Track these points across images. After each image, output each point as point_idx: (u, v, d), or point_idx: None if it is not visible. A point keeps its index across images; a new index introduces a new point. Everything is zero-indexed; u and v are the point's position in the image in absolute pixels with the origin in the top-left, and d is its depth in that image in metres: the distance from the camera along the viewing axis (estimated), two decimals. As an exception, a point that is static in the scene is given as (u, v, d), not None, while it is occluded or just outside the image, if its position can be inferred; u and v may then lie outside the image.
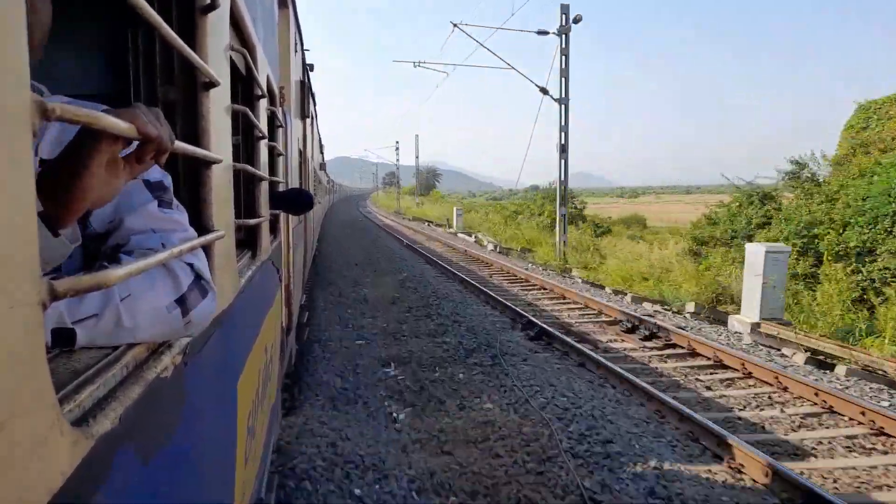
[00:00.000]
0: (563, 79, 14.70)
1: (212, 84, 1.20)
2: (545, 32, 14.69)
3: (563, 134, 14.80)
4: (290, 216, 4.07)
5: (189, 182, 1.24)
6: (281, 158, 3.34)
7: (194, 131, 1.21)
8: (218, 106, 1.30)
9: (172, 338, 0.88)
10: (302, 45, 6.17)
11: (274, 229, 3.03)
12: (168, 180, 0.98)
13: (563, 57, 14.54)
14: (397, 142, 53.74)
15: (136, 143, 0.74)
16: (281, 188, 3.34)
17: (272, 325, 2.50)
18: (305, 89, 6.26)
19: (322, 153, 18.06)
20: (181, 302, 0.85)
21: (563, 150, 15.13)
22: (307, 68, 7.03)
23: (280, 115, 3.27)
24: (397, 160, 54.50)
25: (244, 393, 1.57)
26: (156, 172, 0.96)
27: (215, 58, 1.27)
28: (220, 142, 1.32)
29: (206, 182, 1.20)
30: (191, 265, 0.89)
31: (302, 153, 6.23)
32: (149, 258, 0.74)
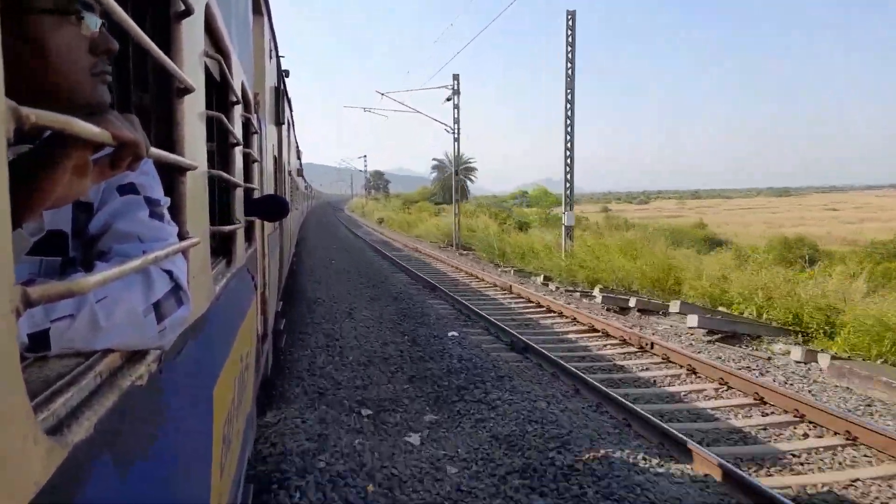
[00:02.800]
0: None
1: (186, 90, 1.19)
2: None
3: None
4: (266, 223, 4.04)
5: (163, 189, 1.24)
6: (256, 165, 3.32)
7: (169, 137, 1.20)
8: (192, 112, 1.29)
9: (146, 346, 0.88)
10: (277, 51, 6.13)
11: (249, 236, 3.00)
12: (166, 201, 1.00)
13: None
14: (456, 78, 22.05)
15: (108, 148, 0.75)
16: (256, 195, 3.32)
17: (247, 333, 2.47)
18: (280, 95, 6.21)
19: (299, 159, 17.89)
20: (157, 307, 0.85)
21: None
22: (282, 74, 6.98)
23: (255, 122, 3.25)
24: (456, 112, 22.17)
25: (220, 402, 1.55)
26: (158, 193, 0.97)
27: (190, 64, 1.27)
28: (194, 148, 1.31)
29: (180, 189, 1.19)
30: (169, 273, 0.89)
31: (277, 159, 6.17)
32: (124, 265, 0.74)
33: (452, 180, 24.85)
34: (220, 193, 2.18)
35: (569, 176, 16.17)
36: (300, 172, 18.03)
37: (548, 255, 15.81)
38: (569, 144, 16.11)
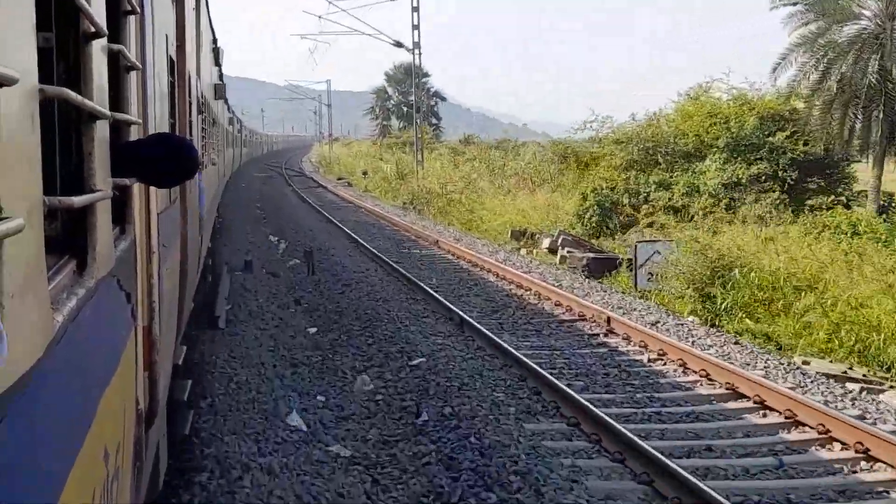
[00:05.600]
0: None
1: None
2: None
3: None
4: (154, 190, 4.07)
5: None
6: (134, 76, 3.35)
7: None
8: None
9: None
10: None
11: (121, 217, 3.03)
12: None
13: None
14: None
15: None
16: (134, 135, 3.34)
17: (118, 407, 2.49)
18: None
19: (219, 65, 18.02)
20: None
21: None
22: None
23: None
24: None
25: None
26: None
27: None
28: (10, 42, 1.31)
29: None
30: None
31: (176, 64, 6.23)
32: None
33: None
34: (62, 132, 2.20)
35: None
36: (220, 93, 18.02)
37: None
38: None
